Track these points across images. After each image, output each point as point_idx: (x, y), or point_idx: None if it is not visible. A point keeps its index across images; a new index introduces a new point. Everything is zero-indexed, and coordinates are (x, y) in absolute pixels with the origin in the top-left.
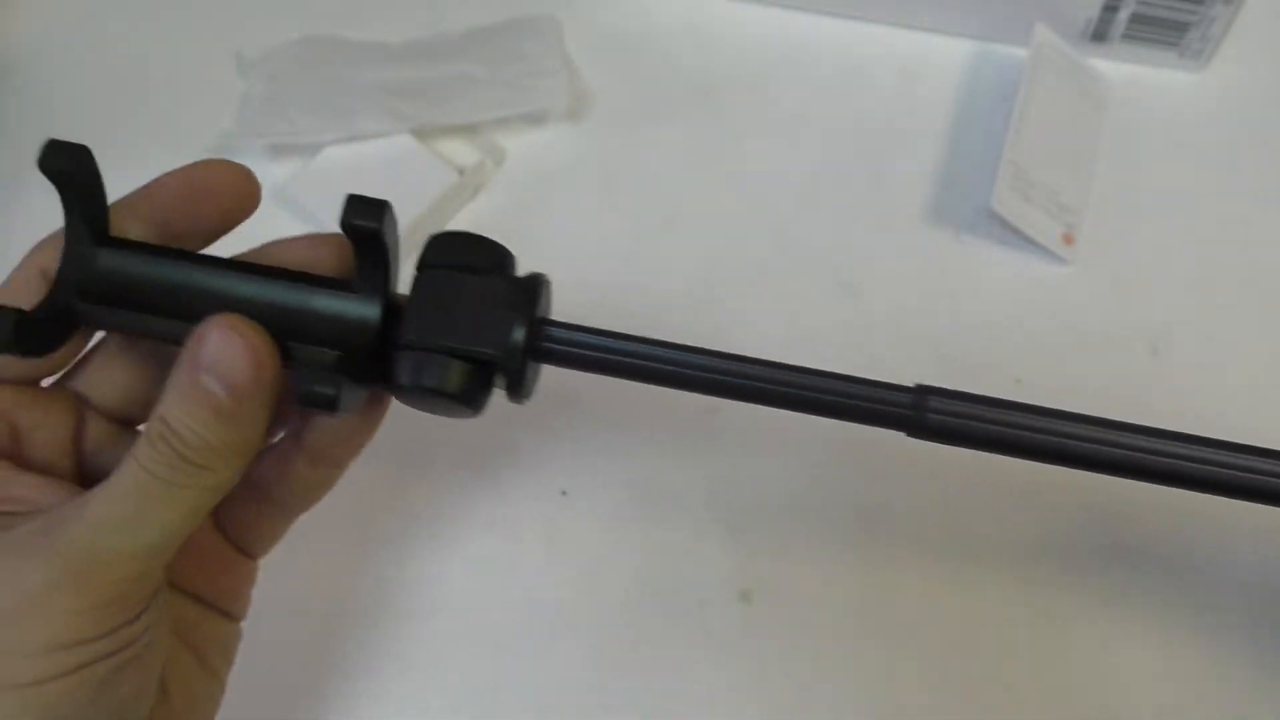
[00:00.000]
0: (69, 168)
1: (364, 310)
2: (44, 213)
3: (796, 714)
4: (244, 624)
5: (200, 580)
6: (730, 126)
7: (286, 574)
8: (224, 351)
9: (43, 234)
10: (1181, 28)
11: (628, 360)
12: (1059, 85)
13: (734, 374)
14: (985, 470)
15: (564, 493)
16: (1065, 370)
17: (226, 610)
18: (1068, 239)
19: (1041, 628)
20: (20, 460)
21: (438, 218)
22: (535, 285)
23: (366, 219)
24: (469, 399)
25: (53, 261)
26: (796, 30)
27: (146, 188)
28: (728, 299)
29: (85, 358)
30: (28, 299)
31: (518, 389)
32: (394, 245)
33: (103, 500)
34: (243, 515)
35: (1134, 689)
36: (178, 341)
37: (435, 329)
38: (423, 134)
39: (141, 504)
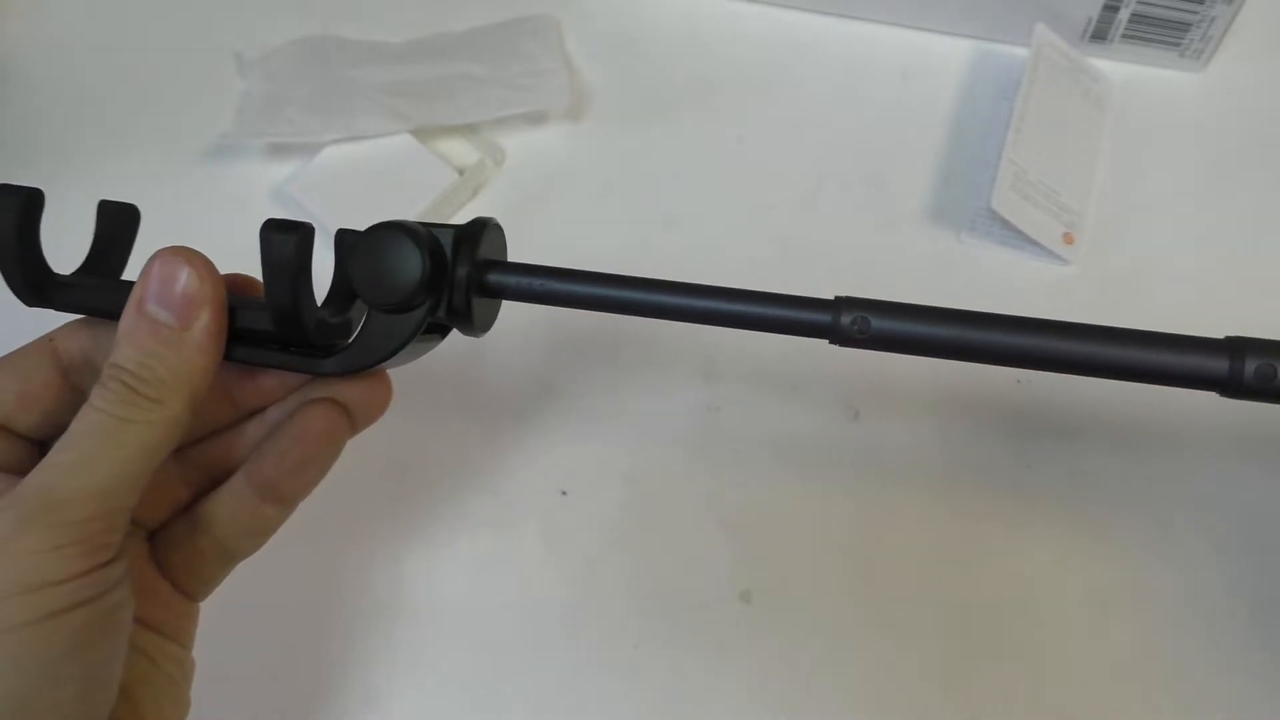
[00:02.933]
0: (118, 213)
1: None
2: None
3: (796, 713)
4: (239, 626)
5: (141, 609)
6: (730, 126)
7: (286, 573)
8: (167, 274)
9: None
10: (1182, 27)
11: (566, 291)
12: (1059, 85)
13: (665, 297)
14: (985, 470)
15: (564, 493)
16: None
17: (173, 640)
18: (1068, 239)
19: (1046, 623)
20: None
21: (437, 218)
22: (476, 226)
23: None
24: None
25: (66, 340)
26: (796, 30)
27: None
28: None
29: (58, 422)
30: (36, 365)
31: (465, 316)
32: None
33: (59, 446)
34: (182, 553)
35: (1126, 679)
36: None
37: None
38: (423, 134)
39: (96, 443)
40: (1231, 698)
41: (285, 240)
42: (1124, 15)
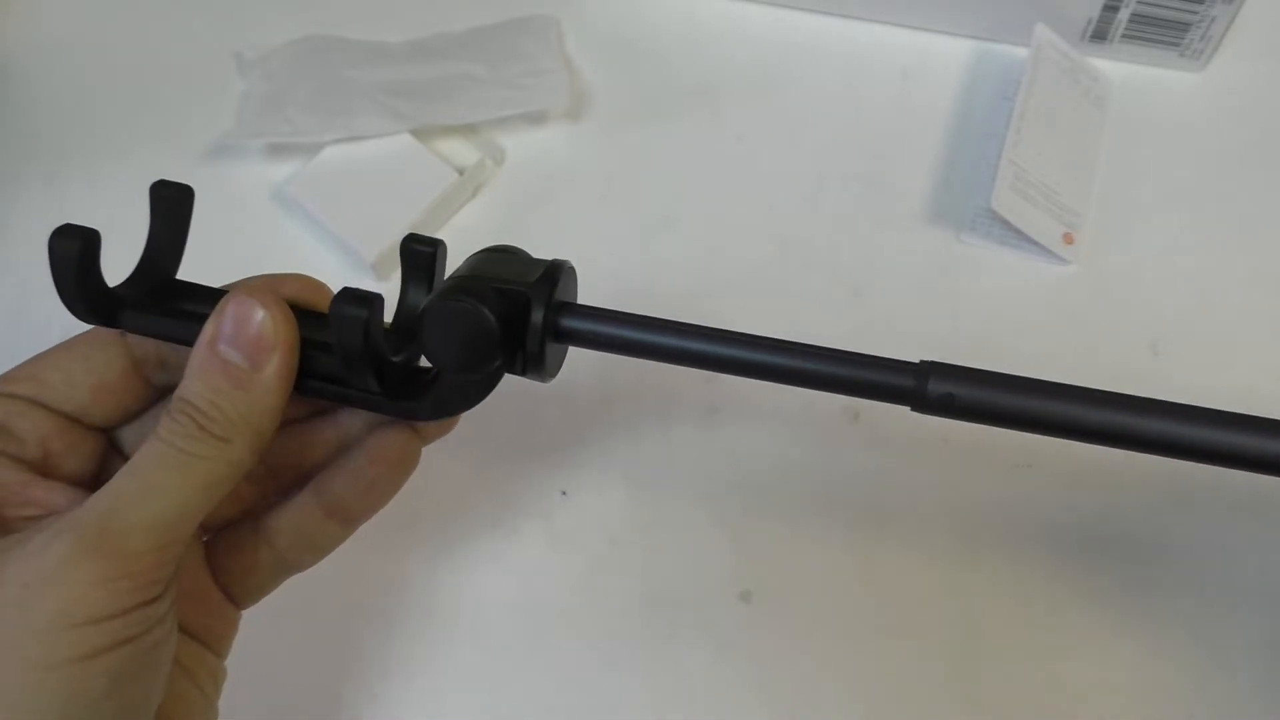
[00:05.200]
0: (174, 195)
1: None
2: (42, 211)
3: (796, 713)
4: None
5: (187, 614)
6: (730, 126)
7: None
8: (242, 318)
9: (41, 234)
10: (1182, 27)
11: (642, 340)
12: (1059, 85)
13: (743, 352)
14: (985, 471)
15: (564, 493)
16: (1066, 370)
17: (212, 648)
18: (1068, 239)
19: (1043, 623)
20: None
21: (437, 218)
22: (554, 269)
23: (426, 245)
24: (496, 334)
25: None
26: (796, 30)
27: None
28: (728, 299)
29: (130, 410)
30: (111, 358)
31: (539, 363)
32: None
33: (122, 474)
34: (239, 561)
35: (1124, 683)
36: (189, 342)
37: (465, 283)
38: (423, 134)
39: (159, 475)
40: None
41: (357, 315)
42: (1124, 15)
